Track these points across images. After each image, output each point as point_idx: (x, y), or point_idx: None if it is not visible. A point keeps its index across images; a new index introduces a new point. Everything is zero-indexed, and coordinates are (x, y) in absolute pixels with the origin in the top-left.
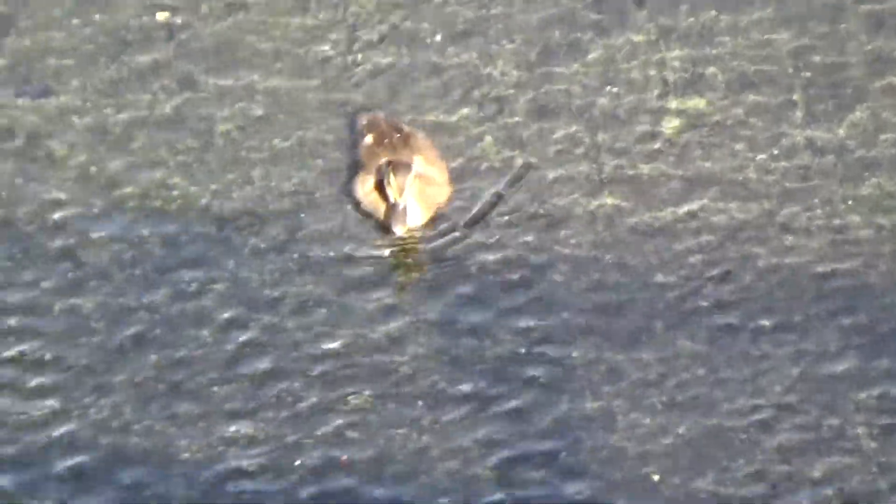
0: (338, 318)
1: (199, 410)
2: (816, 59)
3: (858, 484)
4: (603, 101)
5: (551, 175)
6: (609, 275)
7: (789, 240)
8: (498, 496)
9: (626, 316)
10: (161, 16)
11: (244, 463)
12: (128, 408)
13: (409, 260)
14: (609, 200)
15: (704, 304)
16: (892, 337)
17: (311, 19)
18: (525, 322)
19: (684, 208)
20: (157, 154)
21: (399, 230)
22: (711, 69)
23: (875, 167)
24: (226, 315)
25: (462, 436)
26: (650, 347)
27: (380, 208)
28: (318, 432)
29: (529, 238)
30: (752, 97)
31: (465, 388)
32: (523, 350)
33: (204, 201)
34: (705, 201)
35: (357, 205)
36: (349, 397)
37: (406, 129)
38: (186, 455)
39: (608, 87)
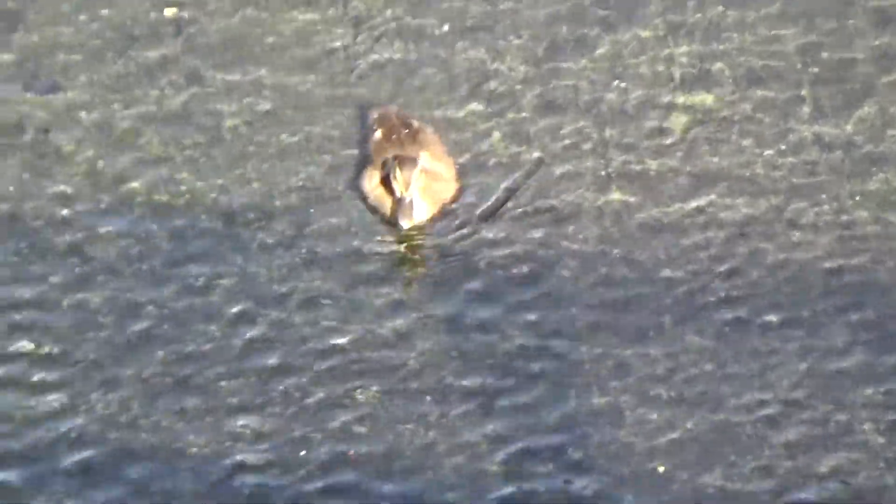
0: (345, 314)
1: (207, 405)
2: (824, 54)
3: (865, 479)
4: (611, 96)
5: (559, 171)
6: (617, 270)
7: (797, 235)
8: (506, 491)
9: (634, 311)
10: (169, 11)
11: (252, 458)
12: (135, 403)
13: (417, 256)
14: (617, 196)
15: (712, 299)
16: None
17: (319, 15)
18: (533, 317)
19: (692, 204)
20: (164, 149)
21: (405, 224)
22: (719, 65)
23: (883, 163)
24: (233, 310)
25: (470, 431)
26: (658, 343)
27: (386, 203)
28: (326, 427)
29: (537, 233)
30: (759, 93)
31: (473, 383)
32: (531, 345)
33: (211, 197)
34: (713, 197)
35: (364, 199)
36: (357, 392)
37: (416, 124)
38: (194, 450)
39: (616, 83)
